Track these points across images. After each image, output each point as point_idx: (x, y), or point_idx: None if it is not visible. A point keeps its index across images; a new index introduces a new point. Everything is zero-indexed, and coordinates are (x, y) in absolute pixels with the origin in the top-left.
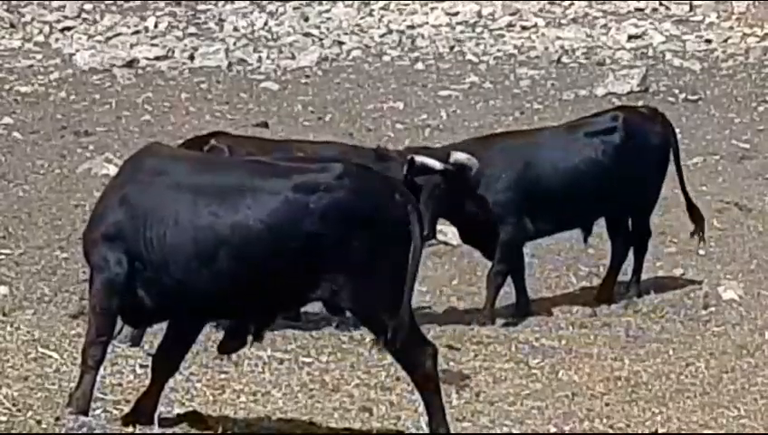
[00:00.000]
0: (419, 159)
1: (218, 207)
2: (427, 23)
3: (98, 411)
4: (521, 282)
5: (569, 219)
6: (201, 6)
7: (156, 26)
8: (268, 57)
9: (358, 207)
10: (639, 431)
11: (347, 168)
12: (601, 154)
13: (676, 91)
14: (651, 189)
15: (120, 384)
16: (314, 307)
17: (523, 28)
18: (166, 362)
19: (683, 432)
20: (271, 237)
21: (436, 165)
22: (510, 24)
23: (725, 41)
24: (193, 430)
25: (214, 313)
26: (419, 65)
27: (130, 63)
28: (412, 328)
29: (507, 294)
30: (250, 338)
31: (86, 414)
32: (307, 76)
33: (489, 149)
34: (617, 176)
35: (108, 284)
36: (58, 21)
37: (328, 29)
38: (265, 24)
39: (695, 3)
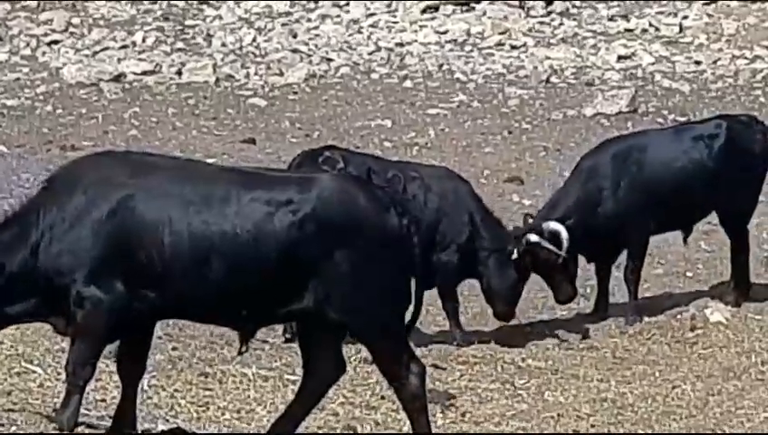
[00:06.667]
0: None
1: (209, 216)
2: (416, 41)
3: (81, 428)
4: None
5: (675, 221)
6: (189, 22)
7: (143, 41)
8: (256, 73)
9: (339, 219)
10: None
11: (331, 180)
12: (708, 158)
13: (666, 113)
14: (749, 195)
15: (104, 400)
16: None
17: (513, 47)
18: (131, 365)
19: None
20: (255, 247)
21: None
22: (499, 44)
23: (715, 62)
24: None
25: (200, 320)
26: (408, 83)
27: (118, 78)
28: (403, 345)
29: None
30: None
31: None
32: (295, 93)
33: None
34: (720, 180)
35: (106, 305)
36: (45, 34)
37: (316, 46)
38: (253, 39)
39: (684, 24)
